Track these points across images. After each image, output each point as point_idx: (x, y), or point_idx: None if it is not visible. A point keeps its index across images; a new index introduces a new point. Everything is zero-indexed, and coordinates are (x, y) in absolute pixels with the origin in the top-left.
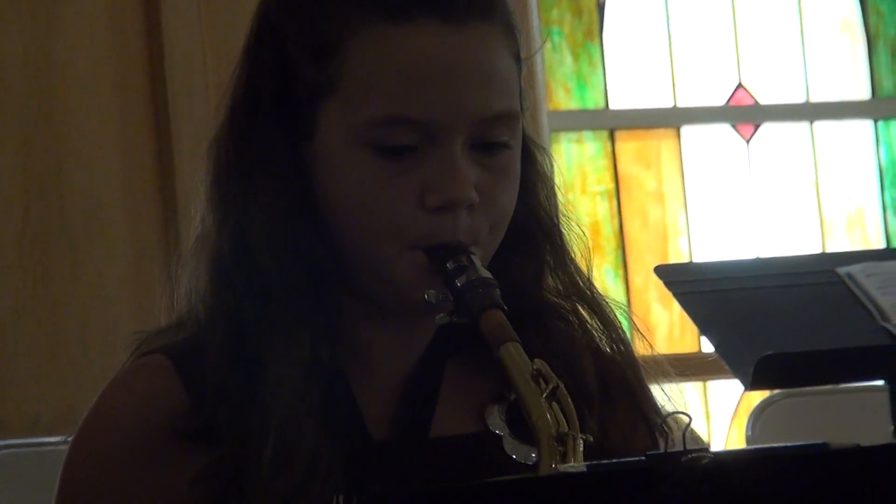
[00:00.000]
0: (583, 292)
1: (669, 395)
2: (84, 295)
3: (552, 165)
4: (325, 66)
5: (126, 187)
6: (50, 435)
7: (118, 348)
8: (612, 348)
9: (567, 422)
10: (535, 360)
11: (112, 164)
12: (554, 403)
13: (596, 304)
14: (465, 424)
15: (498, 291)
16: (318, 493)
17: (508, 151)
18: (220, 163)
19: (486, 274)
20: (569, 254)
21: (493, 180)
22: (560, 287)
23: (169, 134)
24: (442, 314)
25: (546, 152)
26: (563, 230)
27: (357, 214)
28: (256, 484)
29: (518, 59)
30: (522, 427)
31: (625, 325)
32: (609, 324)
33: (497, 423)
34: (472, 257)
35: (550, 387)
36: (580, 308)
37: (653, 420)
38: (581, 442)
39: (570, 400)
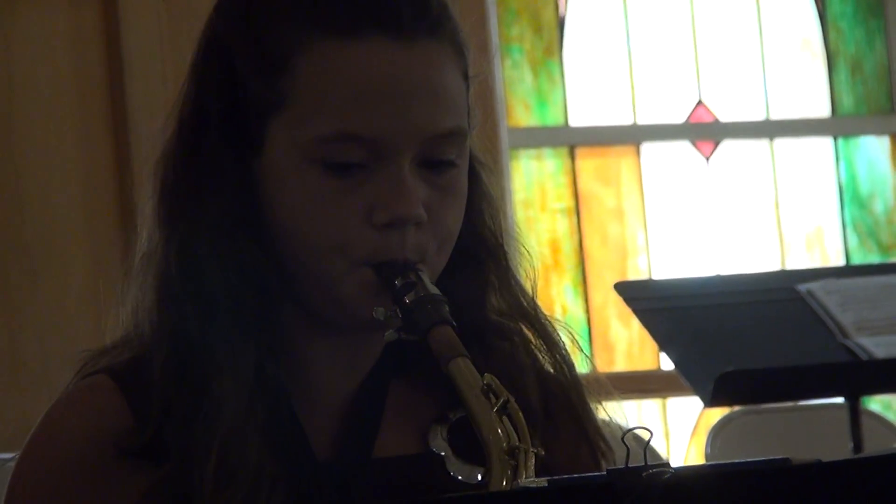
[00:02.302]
0: (527, 312)
1: (623, 415)
2: (43, 311)
3: (498, 183)
4: (273, 82)
5: (85, 204)
6: (9, 451)
7: (77, 365)
8: (555, 368)
9: (518, 436)
10: (486, 374)
11: (71, 180)
12: (504, 417)
13: (540, 324)
14: (408, 445)
15: (447, 308)
16: None
17: (455, 169)
18: (167, 179)
19: (435, 290)
20: (513, 273)
21: (441, 198)
22: (504, 307)
23: (128, 150)
24: (390, 331)
25: (491, 170)
26: (508, 249)
27: (304, 231)
28: (201, 501)
29: (466, 77)
30: (465, 447)
31: (581, 342)
32: (553, 344)
33: (439, 444)
34: (421, 274)
35: (501, 401)
36: (524, 328)
37: (595, 441)
38: (533, 455)
39: (521, 414)
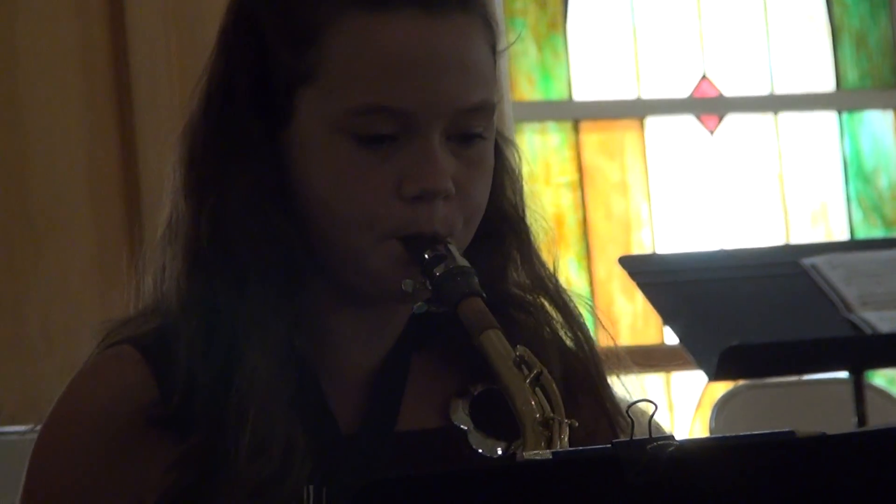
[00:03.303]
0: (547, 287)
1: (629, 389)
2: (47, 285)
3: (520, 159)
4: (303, 54)
5: (89, 177)
6: (13, 424)
7: (81, 338)
8: (575, 343)
9: (552, 407)
10: (518, 346)
11: (75, 153)
12: (538, 389)
13: (560, 298)
14: (430, 419)
15: (476, 280)
16: (293, 483)
17: (484, 143)
18: (195, 150)
19: (465, 262)
20: (535, 248)
21: (469, 172)
22: (525, 281)
23: (133, 124)
24: (420, 303)
25: (514, 145)
26: (530, 224)
27: (333, 203)
28: (232, 472)
29: (494, 51)
30: (486, 421)
31: (588, 318)
32: (573, 319)
33: (461, 418)
34: (450, 246)
35: (534, 372)
36: (545, 302)
37: (614, 416)
38: (567, 427)
39: (554, 385)
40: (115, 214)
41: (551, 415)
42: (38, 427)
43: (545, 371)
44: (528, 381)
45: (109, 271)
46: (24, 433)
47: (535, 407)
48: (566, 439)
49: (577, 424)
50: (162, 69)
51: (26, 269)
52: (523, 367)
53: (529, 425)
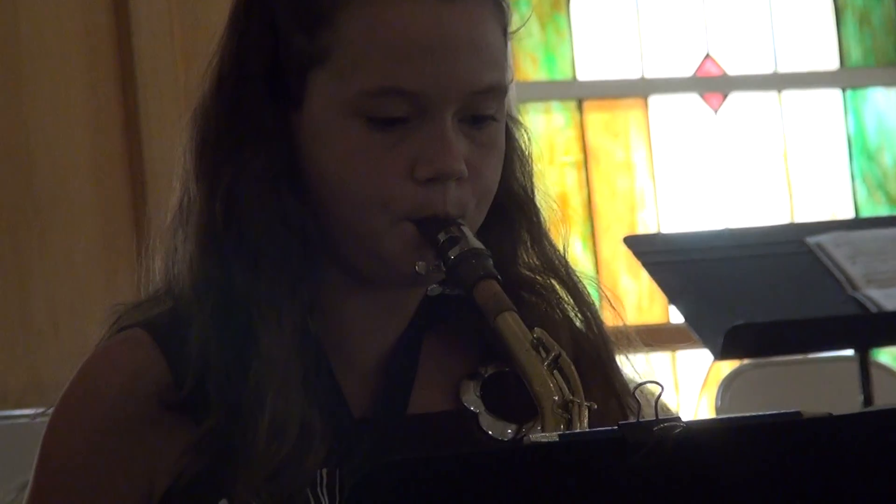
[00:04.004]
0: (557, 268)
1: (637, 369)
2: (52, 267)
3: (529, 140)
4: (316, 36)
5: (94, 160)
6: (19, 407)
7: (87, 321)
8: (585, 324)
9: (570, 389)
10: (535, 328)
11: (80, 136)
12: (556, 371)
13: (570, 280)
14: (442, 402)
15: (491, 262)
16: (310, 465)
17: (495, 124)
18: (207, 133)
19: (479, 245)
20: (545, 230)
21: (481, 154)
22: (535, 262)
23: (136, 106)
24: (434, 285)
25: (523, 127)
26: (540, 206)
27: (346, 186)
28: (249, 454)
29: (506, 33)
30: (497, 403)
31: (596, 297)
32: (583, 301)
33: (472, 400)
34: (464, 228)
35: (552, 355)
36: (555, 284)
37: (624, 398)
38: (586, 409)
39: (573, 368)
40: (119, 196)
41: (571, 397)
42: (47, 410)
43: (563, 353)
44: (546, 363)
45: (114, 254)
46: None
47: (553, 389)
48: (586, 422)
49: (595, 406)
50: (166, 50)
51: (31, 252)
52: (541, 349)
53: (549, 408)
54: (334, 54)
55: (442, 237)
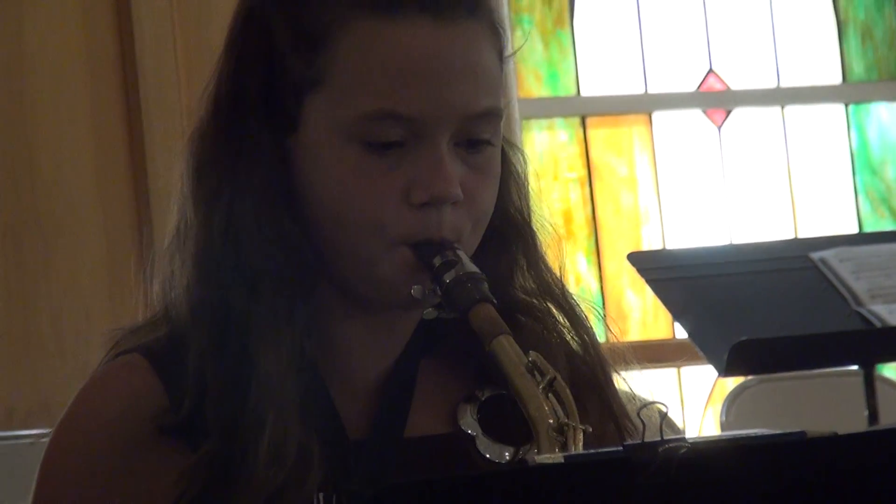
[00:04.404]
0: (554, 292)
1: (637, 387)
2: (57, 287)
3: (526, 164)
4: (312, 60)
5: (98, 179)
6: (25, 428)
7: (92, 341)
8: (581, 347)
9: (566, 412)
10: (530, 352)
11: (84, 155)
12: (551, 395)
13: (566, 303)
14: (439, 425)
15: (487, 286)
16: (307, 489)
17: (491, 149)
18: (204, 156)
19: (474, 269)
20: (541, 253)
21: (476, 178)
22: (532, 286)
23: (141, 125)
24: (429, 309)
25: (519, 150)
26: (536, 229)
27: (342, 210)
28: (247, 478)
29: (502, 58)
30: (494, 427)
31: (597, 319)
32: (579, 323)
33: (469, 423)
34: (459, 252)
35: (547, 378)
36: (551, 307)
37: (621, 421)
38: (581, 432)
39: (568, 391)
40: (124, 217)
41: (566, 420)
42: (48, 433)
43: (558, 377)
44: (541, 386)
45: (119, 274)
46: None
47: (548, 412)
48: (581, 445)
49: (590, 430)
50: (169, 69)
51: (36, 272)
52: (536, 372)
53: (543, 431)
54: (330, 78)
55: (437, 261)
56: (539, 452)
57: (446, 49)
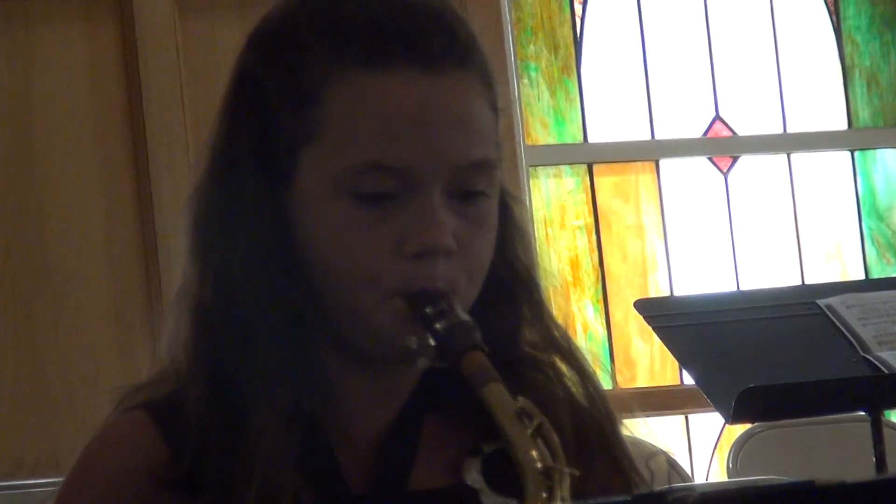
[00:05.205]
0: (559, 344)
1: (642, 434)
2: (66, 337)
3: (530, 217)
4: (303, 115)
5: (106, 232)
6: (33, 477)
7: (100, 392)
8: (588, 401)
9: (553, 456)
10: (519, 397)
11: (92, 208)
12: (539, 440)
13: (572, 356)
14: (443, 478)
15: (479, 334)
16: None
17: (485, 200)
18: (200, 213)
19: (467, 318)
20: (545, 306)
21: (471, 229)
22: (537, 339)
23: (148, 177)
24: (422, 359)
25: (522, 204)
26: (540, 282)
27: (336, 262)
28: None
29: (495, 109)
30: (499, 480)
31: (604, 370)
32: (586, 376)
33: (474, 478)
34: (452, 302)
35: (535, 423)
36: (557, 360)
37: (629, 474)
38: (568, 476)
39: (555, 435)
40: (132, 270)
41: (552, 464)
42: (55, 481)
43: (546, 422)
44: (529, 431)
45: (127, 326)
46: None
47: (535, 457)
48: (567, 488)
49: (577, 474)
50: (177, 121)
51: (45, 323)
52: (524, 418)
53: (530, 475)
54: (322, 131)
55: (430, 311)
56: (525, 497)
57: (435, 100)
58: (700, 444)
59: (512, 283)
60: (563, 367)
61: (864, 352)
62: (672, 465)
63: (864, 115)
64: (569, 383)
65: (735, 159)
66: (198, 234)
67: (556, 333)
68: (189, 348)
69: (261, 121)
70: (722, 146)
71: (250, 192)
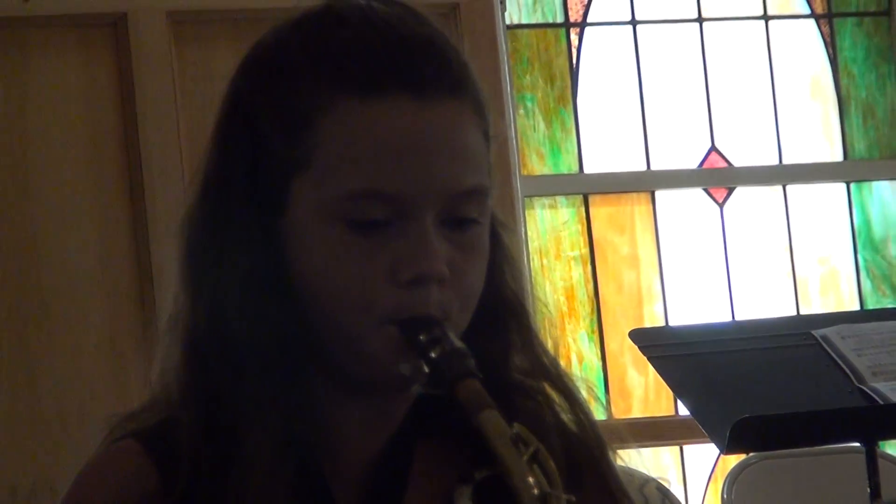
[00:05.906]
0: (549, 371)
1: (635, 464)
2: (60, 365)
3: (520, 244)
4: (296, 142)
5: (101, 259)
6: None
7: (95, 419)
8: (578, 427)
9: (549, 483)
10: (514, 424)
11: (87, 235)
12: (535, 466)
13: (562, 383)
14: None
15: (473, 361)
16: None
17: (478, 228)
18: (192, 240)
19: (461, 345)
20: (535, 333)
21: (463, 256)
22: (527, 366)
23: (143, 203)
24: (416, 386)
25: (512, 231)
26: (530, 310)
27: (328, 289)
28: None
29: (487, 137)
30: None
31: (596, 399)
32: (576, 403)
33: None
34: (446, 329)
35: (531, 450)
36: (547, 387)
37: (620, 499)
38: (564, 502)
39: (552, 462)
40: (126, 297)
41: (549, 490)
42: None
43: (542, 448)
44: (525, 457)
45: (122, 354)
46: None
47: (532, 484)
48: None
49: (574, 500)
50: (172, 149)
51: (39, 350)
52: (520, 444)
53: (527, 502)
54: (314, 159)
55: (424, 338)
56: None
57: (428, 128)
58: (695, 475)
59: (501, 310)
60: (553, 394)
61: (859, 382)
62: (664, 493)
63: (859, 146)
64: (559, 410)
65: (731, 190)
66: (190, 260)
67: (546, 360)
68: (181, 375)
69: (253, 148)
70: (718, 177)
71: (242, 218)
